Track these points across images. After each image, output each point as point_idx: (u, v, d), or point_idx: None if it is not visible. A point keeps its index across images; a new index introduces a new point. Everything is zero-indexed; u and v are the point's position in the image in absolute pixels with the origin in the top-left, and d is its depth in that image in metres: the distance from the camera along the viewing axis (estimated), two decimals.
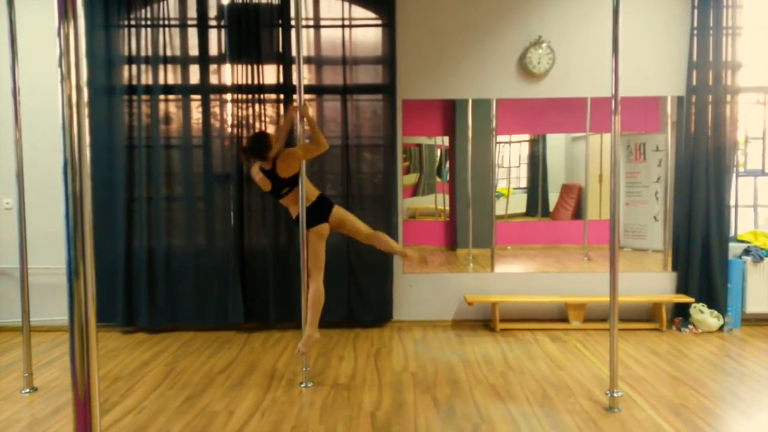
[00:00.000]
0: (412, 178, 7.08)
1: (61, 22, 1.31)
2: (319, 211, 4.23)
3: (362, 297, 5.64)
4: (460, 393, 4.01)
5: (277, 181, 4.14)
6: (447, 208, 6.89)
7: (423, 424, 3.52)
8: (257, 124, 5.55)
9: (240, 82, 5.53)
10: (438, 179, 7.10)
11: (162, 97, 5.54)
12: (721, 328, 5.50)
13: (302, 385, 4.15)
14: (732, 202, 5.68)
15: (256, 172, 4.21)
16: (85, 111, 1.34)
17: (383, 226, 5.61)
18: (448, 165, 6.87)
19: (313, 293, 4.22)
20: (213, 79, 5.59)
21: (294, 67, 4.85)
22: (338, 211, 4.31)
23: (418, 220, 7.05)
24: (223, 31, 5.56)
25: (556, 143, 7.01)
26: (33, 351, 4.24)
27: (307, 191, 4.18)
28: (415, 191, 7.14)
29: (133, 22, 5.50)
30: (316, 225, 4.20)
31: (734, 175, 5.66)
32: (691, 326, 5.51)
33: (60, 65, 1.31)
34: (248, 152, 4.17)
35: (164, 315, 5.56)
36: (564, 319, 5.71)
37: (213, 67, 5.59)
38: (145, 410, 3.74)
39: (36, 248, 5.11)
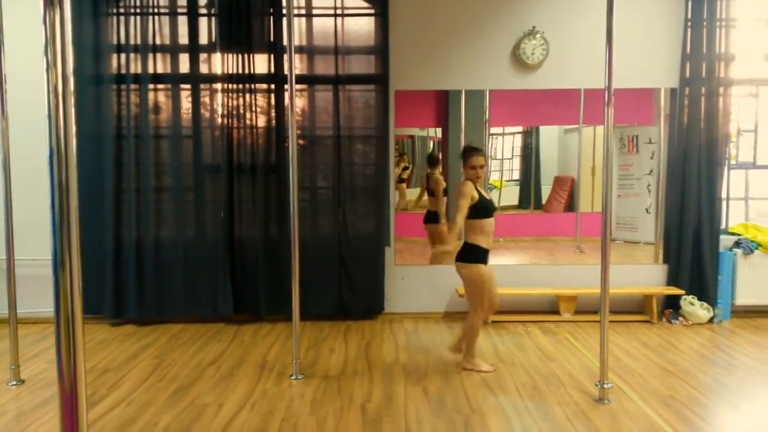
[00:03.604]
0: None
1: (47, 9, 1.29)
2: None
3: (353, 289, 5.62)
4: (451, 385, 4.01)
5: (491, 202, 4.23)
6: None
7: (413, 415, 3.51)
8: (248, 114, 5.49)
9: (230, 72, 5.46)
10: None
11: (151, 86, 5.47)
12: (711, 320, 5.53)
13: (292, 377, 4.13)
14: (723, 195, 5.70)
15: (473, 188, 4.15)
16: (71, 100, 1.32)
17: (374, 218, 5.60)
18: (440, 157, 6.83)
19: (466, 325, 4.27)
20: (203, 69, 5.53)
21: (285, 57, 4.80)
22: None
23: (410, 212, 7.02)
24: (213, 19, 5.49)
25: (549, 135, 6.99)
26: (20, 343, 4.20)
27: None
28: (407, 183, 7.10)
29: (122, 10, 5.42)
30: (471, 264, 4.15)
31: (726, 168, 5.67)
32: (681, 318, 5.54)
33: (46, 53, 1.30)
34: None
35: (153, 307, 5.51)
36: (555, 311, 5.72)
37: (203, 56, 5.52)
38: (133, 403, 3.71)
39: (23, 239, 5.04)
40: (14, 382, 4.02)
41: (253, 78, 5.49)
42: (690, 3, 5.54)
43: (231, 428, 3.35)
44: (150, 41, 5.44)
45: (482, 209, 4.14)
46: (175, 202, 5.55)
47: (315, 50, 5.57)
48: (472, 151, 4.18)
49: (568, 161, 6.66)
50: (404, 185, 6.76)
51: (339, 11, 5.49)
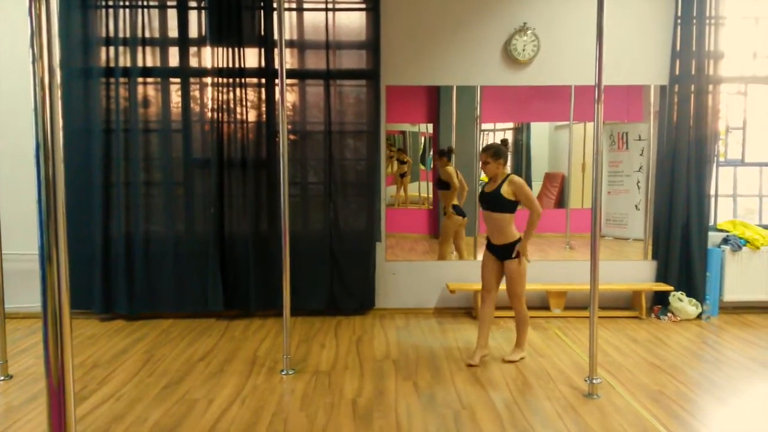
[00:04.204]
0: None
1: (33, 1, 1.27)
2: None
3: (344, 284, 5.61)
4: (442, 380, 4.02)
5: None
6: (430, 196, 6.87)
7: (404, 410, 3.52)
8: (238, 109, 5.46)
9: (221, 66, 5.43)
10: (422, 167, 7.07)
11: (140, 79, 5.42)
12: (699, 316, 5.57)
13: (283, 373, 4.13)
14: (712, 192, 5.74)
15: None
16: (58, 93, 1.31)
17: (366, 213, 5.59)
18: (431, 152, 6.84)
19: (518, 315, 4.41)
20: (193, 62, 5.49)
21: (276, 51, 4.78)
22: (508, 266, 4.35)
23: (401, 208, 7.03)
24: (203, 12, 5.45)
25: (539, 131, 7.01)
26: (8, 338, 4.17)
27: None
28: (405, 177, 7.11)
29: (111, 3, 5.36)
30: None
31: (715, 165, 5.71)
32: (669, 314, 5.58)
33: (32, 46, 1.28)
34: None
35: (143, 302, 5.48)
36: (545, 307, 5.74)
37: (193, 49, 5.48)
38: (123, 398, 3.70)
39: (10, 234, 5.00)
40: (2, 378, 3.98)
41: (243, 72, 5.46)
42: (680, 1, 5.57)
43: (221, 424, 3.34)
44: (139, 34, 5.38)
45: (480, 202, 4.48)
46: (164, 197, 5.51)
47: (306, 45, 5.55)
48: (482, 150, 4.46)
49: (559, 158, 6.68)
50: (407, 179, 6.80)
51: (330, 6, 5.47)
